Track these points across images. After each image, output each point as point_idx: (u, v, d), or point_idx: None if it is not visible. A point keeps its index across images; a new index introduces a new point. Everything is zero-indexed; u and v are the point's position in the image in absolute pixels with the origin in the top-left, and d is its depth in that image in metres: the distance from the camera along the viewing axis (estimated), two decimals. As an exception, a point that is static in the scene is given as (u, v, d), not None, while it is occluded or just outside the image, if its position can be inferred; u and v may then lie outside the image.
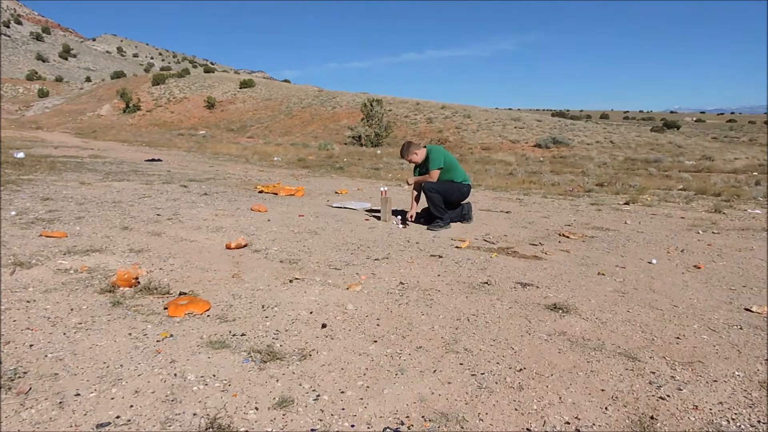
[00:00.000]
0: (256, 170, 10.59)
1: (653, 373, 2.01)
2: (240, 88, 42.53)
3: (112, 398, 1.69)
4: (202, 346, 2.09)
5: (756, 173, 12.44)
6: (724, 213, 6.17)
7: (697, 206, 6.75)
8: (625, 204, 6.86)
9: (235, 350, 2.07)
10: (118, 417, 1.59)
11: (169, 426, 1.56)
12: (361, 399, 1.76)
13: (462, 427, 1.62)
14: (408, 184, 5.28)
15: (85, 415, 1.59)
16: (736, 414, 1.73)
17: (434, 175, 4.93)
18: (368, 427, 1.60)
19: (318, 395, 1.76)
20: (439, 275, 3.27)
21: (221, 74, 57.89)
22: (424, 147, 5.06)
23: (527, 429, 1.63)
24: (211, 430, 1.54)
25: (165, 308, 2.46)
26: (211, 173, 9.33)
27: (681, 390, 1.88)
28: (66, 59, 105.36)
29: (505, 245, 4.23)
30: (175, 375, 1.85)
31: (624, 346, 2.26)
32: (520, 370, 2.01)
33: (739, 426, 1.67)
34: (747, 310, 2.78)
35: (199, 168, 10.39)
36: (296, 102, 35.41)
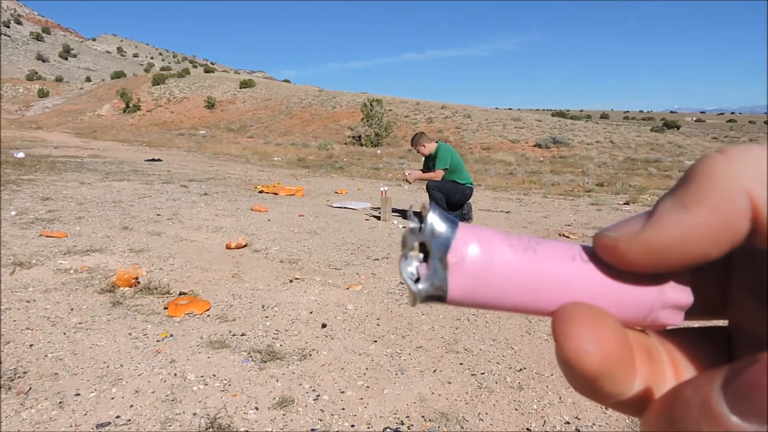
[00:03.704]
0: (256, 170, 10.59)
1: (653, 373, 2.01)
2: (240, 88, 42.52)
3: (112, 398, 1.69)
4: (202, 346, 2.09)
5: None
6: (724, 213, 6.17)
7: (697, 206, 6.75)
8: (625, 204, 6.85)
9: (235, 350, 2.07)
10: (118, 417, 1.59)
11: (169, 426, 1.56)
12: (361, 399, 1.76)
13: (462, 427, 1.62)
14: (405, 177, 5.26)
15: (85, 415, 1.59)
16: (736, 414, 1.73)
17: (439, 174, 4.97)
18: (368, 427, 1.60)
19: (318, 395, 1.76)
20: (439, 275, 3.27)
21: (221, 74, 57.86)
22: (436, 142, 5.10)
23: (527, 429, 1.63)
24: (211, 430, 1.54)
25: (165, 308, 2.46)
26: (211, 173, 9.33)
27: (681, 390, 1.88)
28: (66, 59, 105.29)
29: (505, 245, 4.23)
30: (175, 375, 1.85)
31: (624, 346, 2.26)
32: (520, 370, 2.01)
33: (739, 426, 1.67)
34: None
35: (199, 168, 10.39)
36: (296, 102, 35.41)
